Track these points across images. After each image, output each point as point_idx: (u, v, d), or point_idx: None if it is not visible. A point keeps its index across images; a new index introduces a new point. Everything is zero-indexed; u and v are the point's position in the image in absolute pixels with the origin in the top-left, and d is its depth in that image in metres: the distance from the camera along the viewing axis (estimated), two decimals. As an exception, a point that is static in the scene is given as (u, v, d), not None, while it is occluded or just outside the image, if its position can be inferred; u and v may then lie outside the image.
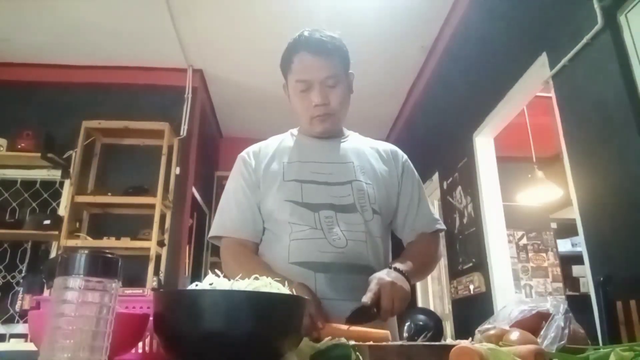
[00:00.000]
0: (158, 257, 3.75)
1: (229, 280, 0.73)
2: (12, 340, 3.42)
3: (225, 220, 1.39)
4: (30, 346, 0.74)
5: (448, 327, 4.04)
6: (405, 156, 1.52)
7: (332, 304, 1.17)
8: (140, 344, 0.80)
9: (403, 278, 1.17)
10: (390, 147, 1.53)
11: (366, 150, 1.46)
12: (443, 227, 1.48)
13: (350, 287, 1.19)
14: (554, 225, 5.53)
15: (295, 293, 1.05)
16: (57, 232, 3.64)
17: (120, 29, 4.01)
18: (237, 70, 4.66)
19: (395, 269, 1.19)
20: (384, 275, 1.14)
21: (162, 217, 3.88)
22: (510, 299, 3.07)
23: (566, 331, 0.74)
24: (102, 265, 0.54)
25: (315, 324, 1.02)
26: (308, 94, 1.34)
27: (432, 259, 1.44)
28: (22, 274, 3.86)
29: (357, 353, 0.73)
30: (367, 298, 1.07)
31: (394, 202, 1.42)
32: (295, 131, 1.52)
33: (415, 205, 1.43)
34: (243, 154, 1.48)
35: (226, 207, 1.41)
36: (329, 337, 0.81)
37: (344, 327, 0.99)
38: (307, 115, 1.38)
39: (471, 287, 3.43)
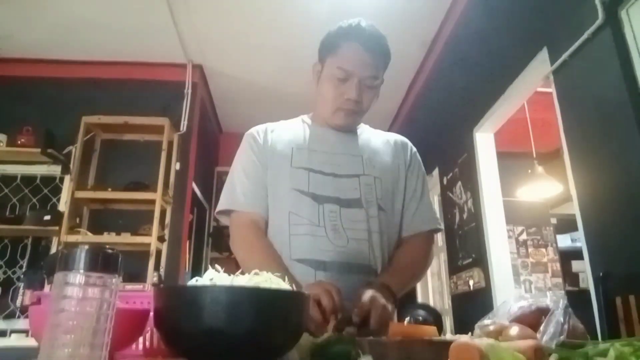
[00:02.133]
0: (158, 253, 3.76)
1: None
2: (13, 335, 3.43)
3: (238, 194, 1.33)
4: (31, 341, 0.74)
5: (448, 323, 4.05)
6: (414, 149, 1.50)
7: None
8: (141, 339, 0.80)
9: (391, 300, 1.14)
10: (400, 138, 1.51)
11: (376, 143, 1.43)
12: (440, 227, 1.46)
13: (350, 287, 1.16)
14: (553, 220, 5.53)
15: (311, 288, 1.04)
16: (57, 228, 3.65)
17: (120, 25, 4.00)
18: (237, 65, 4.66)
19: (388, 289, 1.16)
20: (379, 295, 1.10)
21: (163, 213, 3.89)
22: (509, 295, 3.07)
23: (565, 326, 0.74)
24: (102, 261, 0.54)
25: (326, 319, 1.02)
26: (343, 84, 1.29)
27: (422, 269, 1.40)
28: (23, 270, 3.87)
29: (357, 348, 0.73)
30: (357, 317, 1.04)
31: (400, 198, 1.40)
32: (306, 118, 1.48)
33: (416, 200, 1.41)
34: (252, 131, 1.43)
35: (237, 180, 1.35)
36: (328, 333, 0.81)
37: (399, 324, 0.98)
38: (333, 105, 1.33)
39: (471, 282, 3.44)
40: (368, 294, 1.09)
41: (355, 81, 1.28)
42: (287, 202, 1.29)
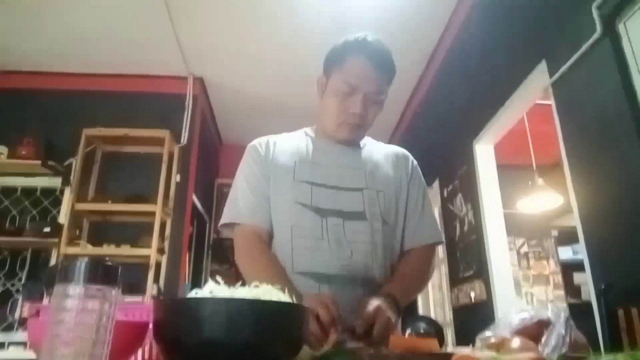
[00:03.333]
0: (158, 265, 3.74)
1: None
2: (11, 347, 3.40)
3: (241, 207, 1.32)
4: (29, 354, 0.73)
5: (449, 335, 4.02)
6: (415, 162, 1.50)
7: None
8: (140, 352, 0.79)
9: (396, 310, 1.14)
10: (401, 151, 1.51)
11: (378, 156, 1.44)
12: (442, 240, 1.46)
13: (354, 300, 1.16)
14: (554, 232, 5.53)
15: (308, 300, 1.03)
16: (57, 240, 3.64)
17: (121, 37, 4.04)
18: (238, 78, 4.69)
19: (393, 299, 1.16)
20: (383, 305, 1.09)
21: (162, 225, 3.88)
22: (511, 307, 3.05)
23: (567, 339, 0.74)
24: (101, 273, 0.54)
25: (325, 332, 1.01)
26: (348, 99, 1.29)
27: (425, 280, 1.40)
28: (22, 282, 3.85)
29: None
30: (360, 327, 1.04)
31: (402, 211, 1.40)
32: (309, 130, 1.47)
33: (418, 213, 1.41)
34: (254, 143, 1.43)
35: (240, 193, 1.35)
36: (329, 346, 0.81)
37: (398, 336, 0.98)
38: (337, 119, 1.33)
39: (472, 294, 3.42)
40: (373, 304, 1.09)
41: (361, 96, 1.28)
42: (289, 215, 1.29)
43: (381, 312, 1.07)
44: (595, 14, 2.03)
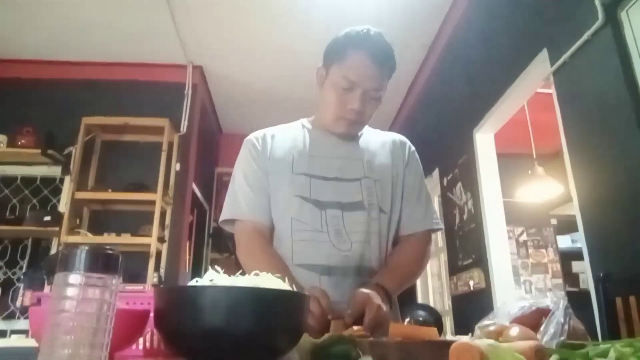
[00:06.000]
0: (158, 253, 3.76)
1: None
2: (13, 336, 3.43)
3: (241, 203, 1.33)
4: (31, 342, 0.74)
5: (448, 323, 4.05)
6: (413, 147, 1.50)
7: (337, 306, 1.16)
8: (141, 340, 0.80)
9: (386, 299, 1.14)
10: (398, 137, 1.50)
11: (376, 145, 1.43)
12: (440, 226, 1.44)
13: (355, 289, 1.18)
14: (554, 221, 5.54)
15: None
16: (57, 229, 3.65)
17: (120, 26, 4.01)
18: (237, 66, 4.66)
19: (382, 289, 1.17)
20: (373, 295, 1.09)
21: (163, 214, 3.89)
22: (509, 295, 3.07)
23: (566, 327, 0.74)
24: (102, 262, 0.54)
25: (319, 321, 1.02)
26: (347, 94, 1.28)
27: (418, 269, 1.39)
28: (23, 271, 3.87)
29: (358, 349, 0.73)
30: (350, 317, 1.04)
31: (399, 198, 1.39)
32: (306, 122, 1.47)
33: (414, 199, 1.41)
34: (251, 137, 1.42)
35: (239, 189, 1.35)
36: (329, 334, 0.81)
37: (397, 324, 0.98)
38: (336, 113, 1.32)
39: (471, 283, 3.43)
40: (362, 294, 1.09)
41: (360, 92, 1.27)
42: (289, 208, 1.29)
43: (371, 302, 1.07)
44: (597, 1, 2.02)
